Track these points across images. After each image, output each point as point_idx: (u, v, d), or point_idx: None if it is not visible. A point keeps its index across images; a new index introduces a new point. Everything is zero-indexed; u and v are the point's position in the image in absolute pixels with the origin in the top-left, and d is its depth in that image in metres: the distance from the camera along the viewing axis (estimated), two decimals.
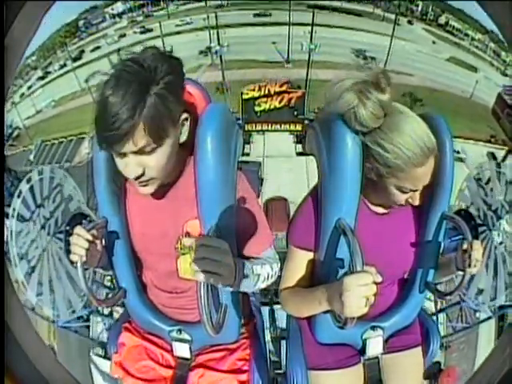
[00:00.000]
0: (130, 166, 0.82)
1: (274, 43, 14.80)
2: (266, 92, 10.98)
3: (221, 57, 13.36)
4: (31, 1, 0.82)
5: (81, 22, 15.96)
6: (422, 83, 13.62)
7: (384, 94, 0.86)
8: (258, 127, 11.23)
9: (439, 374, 1.24)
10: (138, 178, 0.84)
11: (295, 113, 11.04)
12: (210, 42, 14.16)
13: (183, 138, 0.88)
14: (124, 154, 0.81)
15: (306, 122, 10.70)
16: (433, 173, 0.93)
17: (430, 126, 0.91)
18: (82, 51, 15.75)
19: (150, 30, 15.69)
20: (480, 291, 3.91)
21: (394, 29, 14.05)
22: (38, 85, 14.78)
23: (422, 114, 0.95)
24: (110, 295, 1.08)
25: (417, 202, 0.95)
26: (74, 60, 15.28)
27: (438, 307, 5.38)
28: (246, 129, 10.94)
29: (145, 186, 0.86)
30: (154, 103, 0.77)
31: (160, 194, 0.93)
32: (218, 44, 13.58)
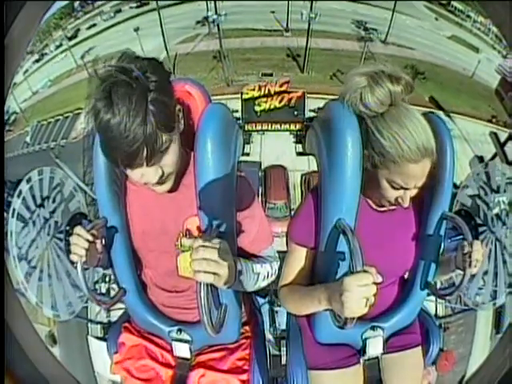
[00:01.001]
0: (148, 172, 0.82)
1: (272, 12, 14.64)
2: (266, 92, 10.97)
3: (218, 25, 13.16)
4: (31, 1, 0.82)
5: (76, 3, 15.83)
6: (423, 58, 13.44)
7: (395, 86, 0.87)
8: (258, 127, 11.23)
9: (437, 357, 1.24)
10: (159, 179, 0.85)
11: (295, 113, 11.05)
12: (207, 12, 14.00)
13: (181, 127, 0.89)
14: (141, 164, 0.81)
15: (306, 122, 10.71)
16: (433, 173, 0.93)
17: (431, 125, 0.91)
18: (78, 30, 15.60)
19: (146, 4, 15.56)
20: (480, 291, 3.91)
21: (395, 3, 14.01)
22: (34, 67, 14.64)
23: (424, 113, 0.96)
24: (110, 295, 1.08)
25: (406, 204, 0.94)
26: (70, 39, 15.10)
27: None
28: (246, 129, 10.94)
29: (163, 184, 0.88)
30: (157, 108, 0.77)
31: (175, 184, 0.94)
32: (216, 13, 13.38)
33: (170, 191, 0.94)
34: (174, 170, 0.88)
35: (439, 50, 14.00)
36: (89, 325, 5.19)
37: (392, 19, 13.81)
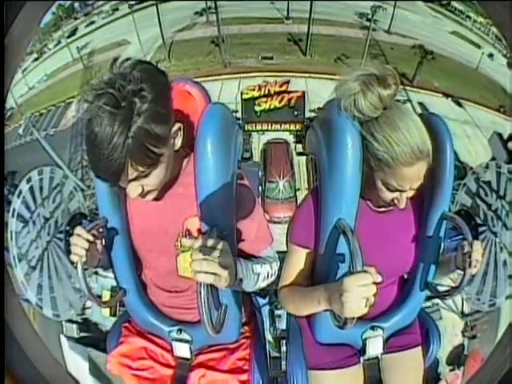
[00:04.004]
0: (128, 188, 0.82)
1: (272, 3, 14.51)
2: (266, 92, 10.96)
3: (216, 9, 12.80)
4: (31, 1, 0.82)
5: (76, 4, 15.99)
6: (427, 47, 13.52)
7: (386, 90, 0.86)
8: (258, 127, 11.22)
9: (464, 358, 1.24)
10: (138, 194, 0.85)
11: (295, 113, 11.03)
12: (206, 4, 13.83)
13: (177, 146, 0.87)
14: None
15: (306, 121, 10.71)
16: (432, 173, 0.93)
17: (430, 125, 0.91)
18: (76, 29, 15.82)
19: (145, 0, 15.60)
20: (480, 291, 3.90)
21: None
22: (32, 66, 14.82)
23: (423, 114, 0.96)
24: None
25: (402, 205, 0.94)
26: (68, 37, 15.32)
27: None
28: (246, 129, 10.94)
29: (145, 196, 0.87)
30: (138, 137, 0.74)
31: (160, 193, 0.93)
32: None
33: (164, 193, 0.94)
34: (159, 187, 0.87)
35: (442, 43, 13.91)
36: (63, 323, 5.03)
37: (394, 11, 13.71)
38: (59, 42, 15.35)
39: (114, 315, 4.53)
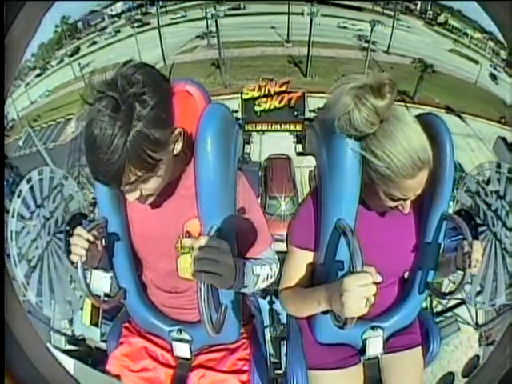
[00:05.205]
0: (127, 193, 0.82)
1: (273, 28, 14.72)
2: (266, 92, 10.95)
3: (217, 28, 12.92)
4: (31, 1, 0.82)
5: (79, 24, 16.37)
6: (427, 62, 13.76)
7: (382, 101, 0.83)
8: (258, 127, 11.22)
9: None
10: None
11: (295, 113, 11.03)
12: (208, 28, 14.03)
13: (177, 150, 0.86)
14: None
15: (306, 122, 10.71)
16: (432, 174, 0.93)
17: (429, 125, 0.91)
18: (79, 48, 16.23)
19: (148, 24, 15.95)
20: (480, 291, 3.91)
21: (394, 16, 14.20)
22: (35, 81, 15.23)
23: (421, 115, 0.95)
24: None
25: (407, 210, 0.94)
26: (71, 56, 15.67)
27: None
28: (246, 129, 10.93)
29: (145, 200, 0.87)
30: (138, 141, 0.73)
31: (161, 197, 0.93)
32: (214, 9, 13.05)
33: (165, 196, 0.94)
34: (157, 192, 0.86)
35: (441, 61, 14.22)
36: (51, 333, 4.95)
37: (392, 31, 13.99)
38: (62, 60, 15.88)
39: (96, 325, 4.47)
